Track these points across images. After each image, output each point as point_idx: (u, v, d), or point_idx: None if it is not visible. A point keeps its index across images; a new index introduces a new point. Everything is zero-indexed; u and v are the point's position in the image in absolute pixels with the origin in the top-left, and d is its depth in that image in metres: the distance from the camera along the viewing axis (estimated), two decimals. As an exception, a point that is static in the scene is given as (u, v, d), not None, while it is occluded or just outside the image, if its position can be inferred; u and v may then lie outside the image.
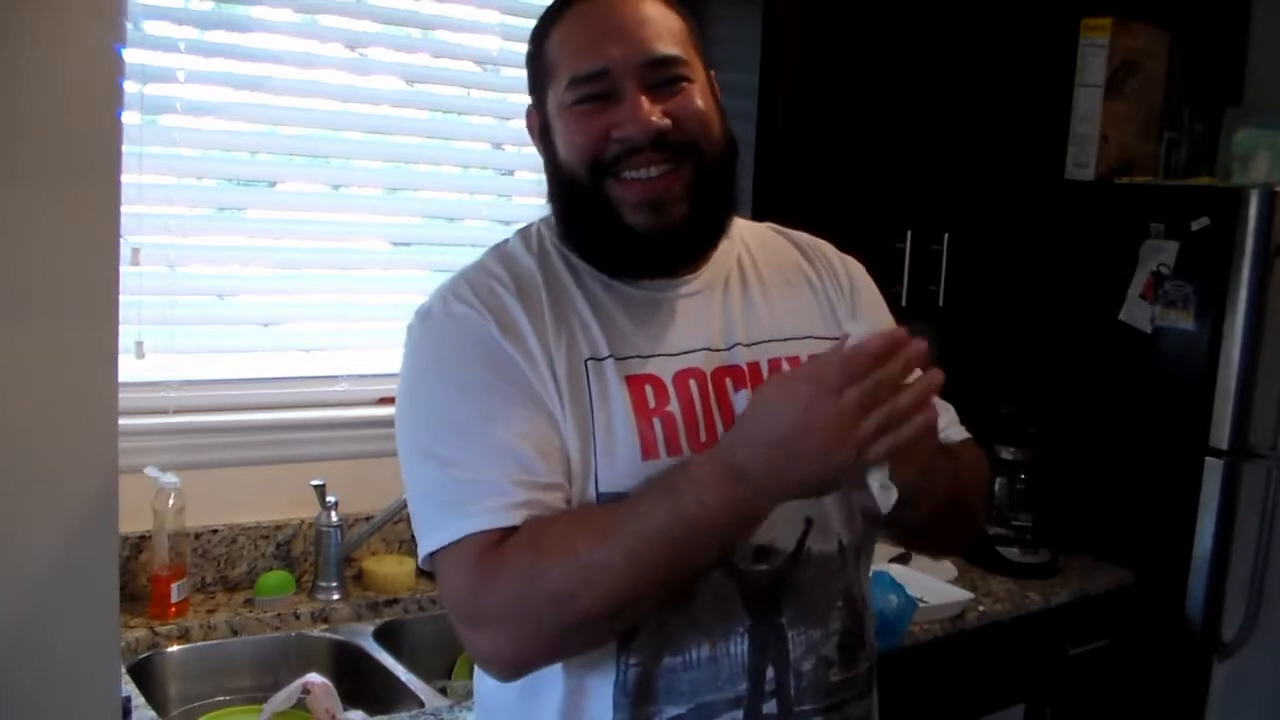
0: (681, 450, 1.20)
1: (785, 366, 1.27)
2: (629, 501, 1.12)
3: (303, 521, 2.27)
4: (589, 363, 1.21)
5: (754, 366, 1.27)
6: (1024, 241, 2.89)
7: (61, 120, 1.29)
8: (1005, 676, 2.51)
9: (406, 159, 2.47)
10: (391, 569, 2.28)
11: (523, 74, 1.32)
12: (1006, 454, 2.72)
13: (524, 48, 1.31)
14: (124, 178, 1.36)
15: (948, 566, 2.60)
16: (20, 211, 1.28)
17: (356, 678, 2.04)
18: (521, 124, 1.33)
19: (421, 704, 1.88)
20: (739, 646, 1.21)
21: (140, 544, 2.09)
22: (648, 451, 1.20)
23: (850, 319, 1.30)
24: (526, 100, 1.32)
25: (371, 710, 1.84)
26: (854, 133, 2.53)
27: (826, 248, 1.44)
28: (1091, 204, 2.89)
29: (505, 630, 1.13)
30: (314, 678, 1.80)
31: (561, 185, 1.27)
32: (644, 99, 1.20)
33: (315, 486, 2.21)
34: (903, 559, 2.55)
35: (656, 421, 1.21)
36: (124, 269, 1.47)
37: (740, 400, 1.23)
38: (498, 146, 2.56)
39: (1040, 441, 2.76)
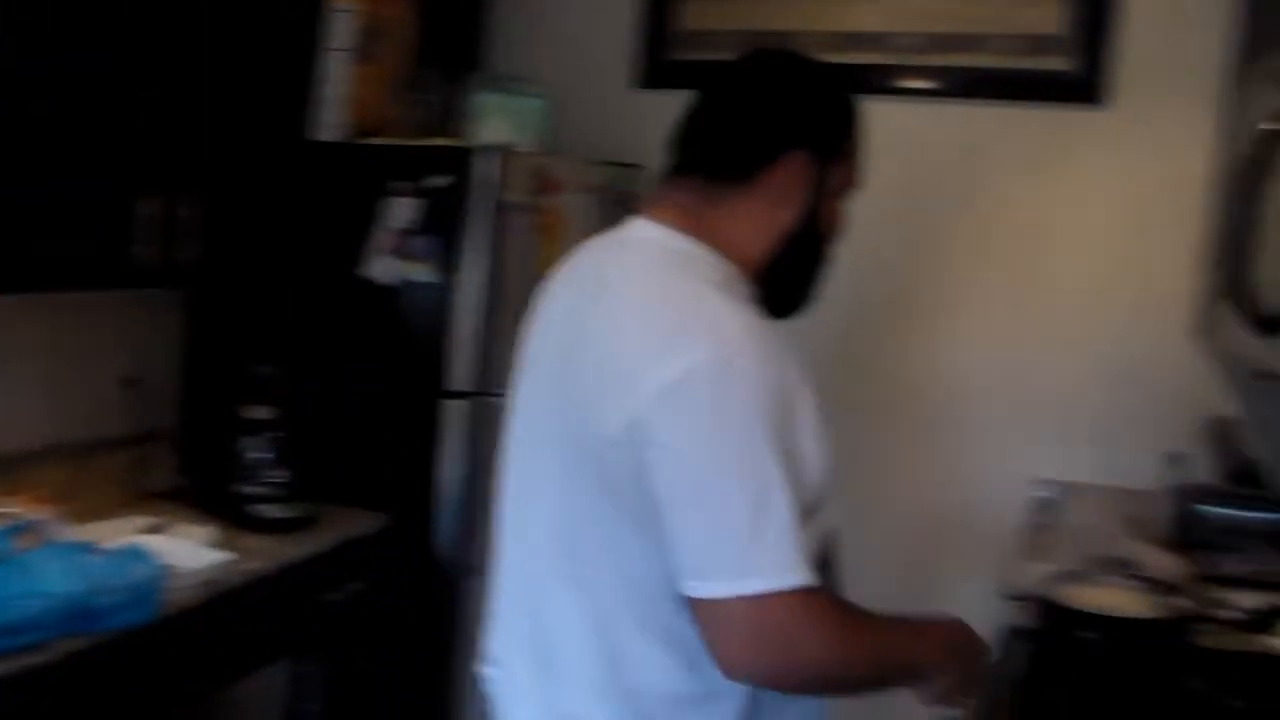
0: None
1: None
2: (907, 628, 1.47)
3: None
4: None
5: None
6: (275, 203, 2.89)
7: None
8: (269, 632, 2.54)
9: None
10: None
11: None
12: (260, 413, 2.73)
13: None
14: None
15: (207, 532, 2.56)
16: None
17: None
18: None
19: None
20: None
21: None
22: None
23: None
24: None
25: None
26: (64, 87, 2.35)
27: None
28: (339, 165, 2.95)
29: (820, 658, 1.33)
30: None
31: (816, 238, 1.50)
32: None
33: None
34: (157, 529, 2.48)
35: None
36: None
37: None
38: None
39: (294, 398, 2.80)
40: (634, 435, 1.31)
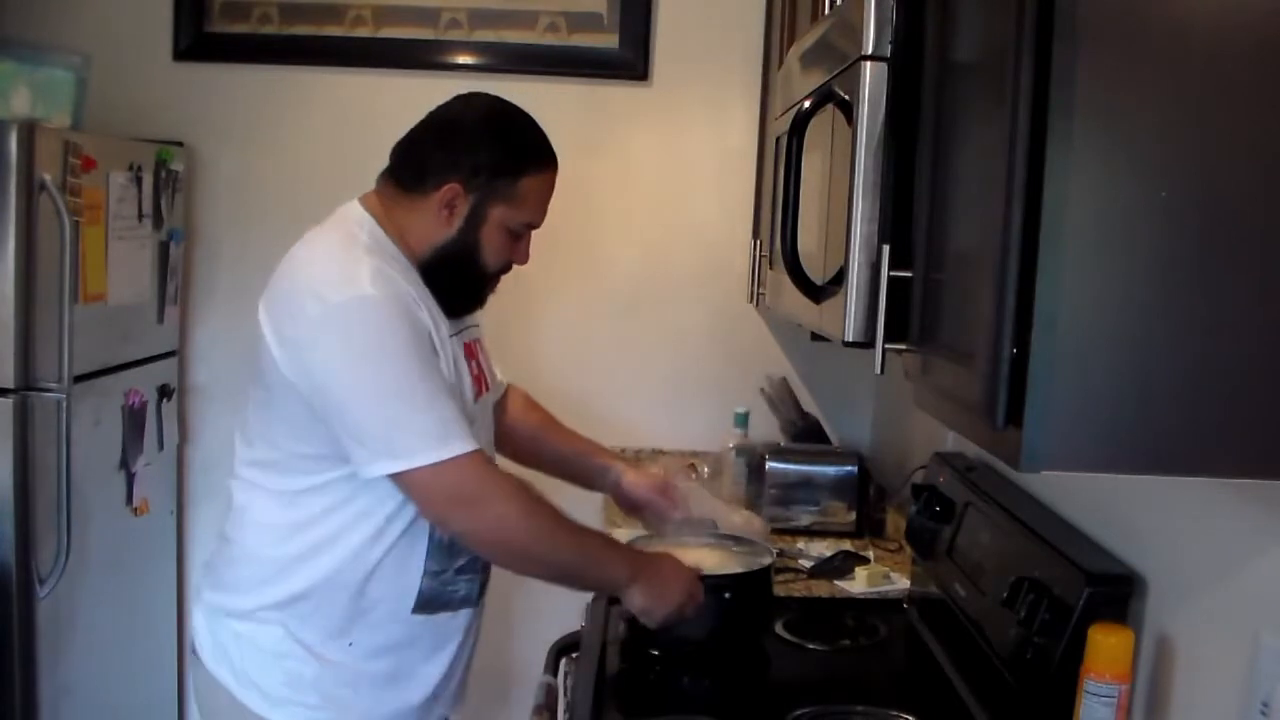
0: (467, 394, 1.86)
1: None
2: (590, 531, 1.85)
3: None
4: (450, 337, 1.82)
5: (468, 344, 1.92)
6: None
7: None
8: None
9: None
10: None
11: None
12: None
13: None
14: None
15: None
16: None
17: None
18: None
19: None
20: None
21: None
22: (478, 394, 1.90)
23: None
24: None
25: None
26: None
27: None
28: None
29: (504, 511, 1.69)
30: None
31: (467, 257, 1.81)
32: None
33: None
34: None
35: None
36: None
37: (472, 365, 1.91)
38: None
39: None
40: (291, 356, 1.68)
